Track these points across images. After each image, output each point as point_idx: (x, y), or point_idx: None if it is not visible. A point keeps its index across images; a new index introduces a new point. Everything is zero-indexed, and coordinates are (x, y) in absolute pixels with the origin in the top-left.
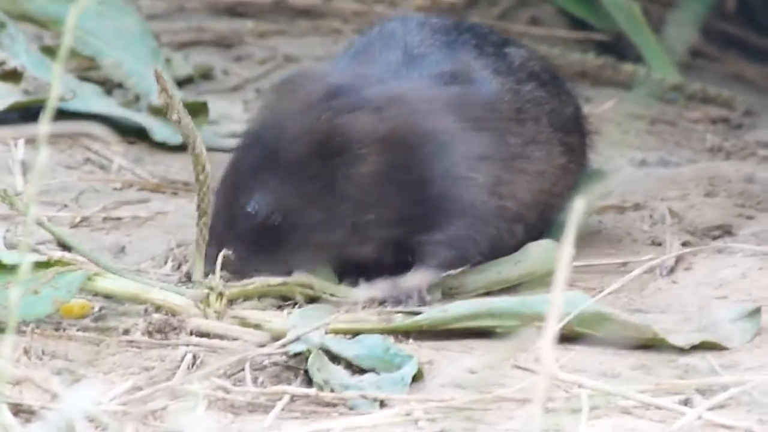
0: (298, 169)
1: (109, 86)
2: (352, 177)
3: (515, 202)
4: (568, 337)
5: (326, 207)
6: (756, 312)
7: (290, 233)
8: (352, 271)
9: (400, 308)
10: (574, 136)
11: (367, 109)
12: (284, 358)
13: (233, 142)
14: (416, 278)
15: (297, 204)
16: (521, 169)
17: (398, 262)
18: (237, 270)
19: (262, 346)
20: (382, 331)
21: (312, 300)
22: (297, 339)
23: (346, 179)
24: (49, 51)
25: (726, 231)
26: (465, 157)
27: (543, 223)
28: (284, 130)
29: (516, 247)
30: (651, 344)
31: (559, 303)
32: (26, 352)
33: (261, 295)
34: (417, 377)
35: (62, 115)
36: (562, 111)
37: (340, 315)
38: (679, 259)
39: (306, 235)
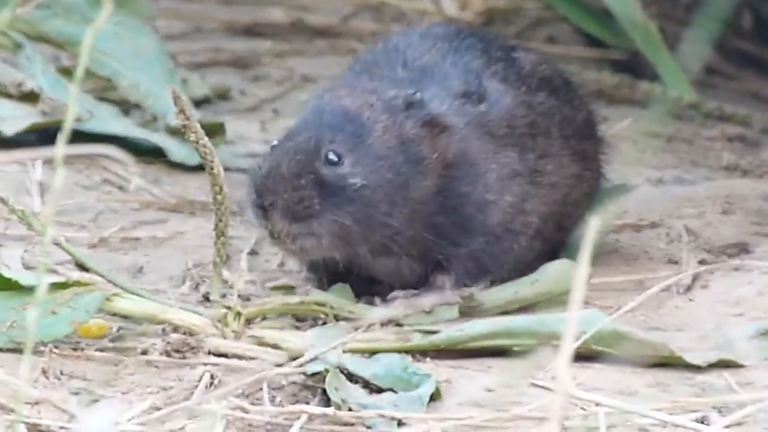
0: (373, 147)
1: (126, 107)
2: (418, 187)
3: (535, 216)
4: (584, 356)
5: (389, 191)
6: None
7: (363, 199)
8: (368, 290)
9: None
10: (587, 142)
11: (441, 128)
12: (302, 377)
13: (250, 162)
14: (432, 297)
15: (373, 174)
16: (538, 182)
17: (416, 280)
18: (300, 216)
19: (280, 365)
20: (400, 350)
21: (331, 318)
22: (315, 358)
23: (412, 181)
24: (66, 72)
25: (742, 249)
26: (494, 178)
27: (560, 234)
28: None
29: (534, 261)
30: (667, 362)
31: (576, 321)
32: (44, 372)
33: (279, 314)
34: (435, 396)
35: (79, 136)
36: (574, 118)
37: (357, 334)
38: (695, 277)
39: (373, 205)
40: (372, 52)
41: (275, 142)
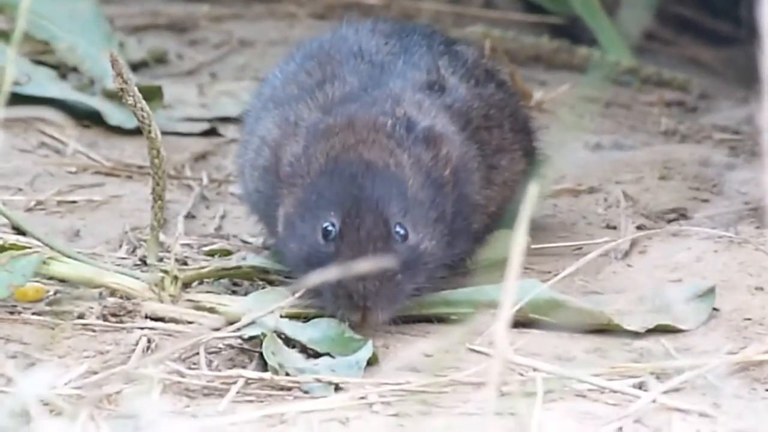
0: (416, 198)
1: (63, 70)
2: (449, 208)
3: (485, 218)
4: (522, 323)
5: (441, 230)
6: (710, 291)
7: (430, 256)
8: None
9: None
10: (531, 138)
11: (442, 141)
12: (239, 342)
13: (188, 126)
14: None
15: (428, 227)
16: (492, 180)
17: None
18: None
19: (217, 330)
20: None
21: (267, 284)
22: (251, 323)
23: (446, 206)
24: (3, 35)
25: (681, 214)
26: (479, 177)
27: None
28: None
29: None
30: (606, 328)
31: (514, 289)
32: None
33: (216, 278)
34: (372, 361)
35: (17, 99)
36: (519, 111)
37: (294, 299)
38: (633, 243)
39: (438, 256)
40: (317, 44)
41: (331, 227)
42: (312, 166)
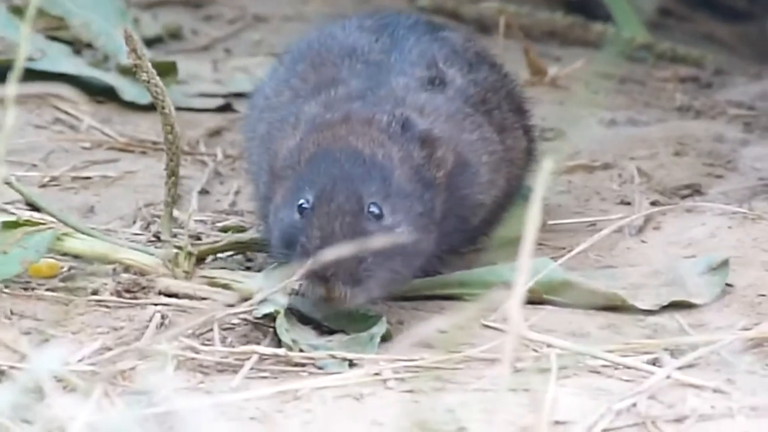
0: (400, 188)
1: (77, 46)
2: (438, 206)
3: (499, 194)
4: (536, 302)
5: (426, 224)
6: (723, 264)
7: (407, 244)
8: None
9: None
10: (528, 117)
11: (438, 144)
12: (253, 318)
13: (202, 102)
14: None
15: (408, 216)
16: (505, 158)
17: None
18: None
19: (231, 306)
20: None
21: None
22: (265, 299)
23: (434, 206)
24: (18, 11)
25: (695, 190)
26: (485, 171)
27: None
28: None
29: None
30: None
31: (527, 265)
32: None
33: (230, 253)
34: (386, 337)
35: (31, 75)
36: (514, 90)
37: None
38: (647, 219)
39: (417, 247)
40: (305, 47)
41: (306, 203)
42: (302, 156)
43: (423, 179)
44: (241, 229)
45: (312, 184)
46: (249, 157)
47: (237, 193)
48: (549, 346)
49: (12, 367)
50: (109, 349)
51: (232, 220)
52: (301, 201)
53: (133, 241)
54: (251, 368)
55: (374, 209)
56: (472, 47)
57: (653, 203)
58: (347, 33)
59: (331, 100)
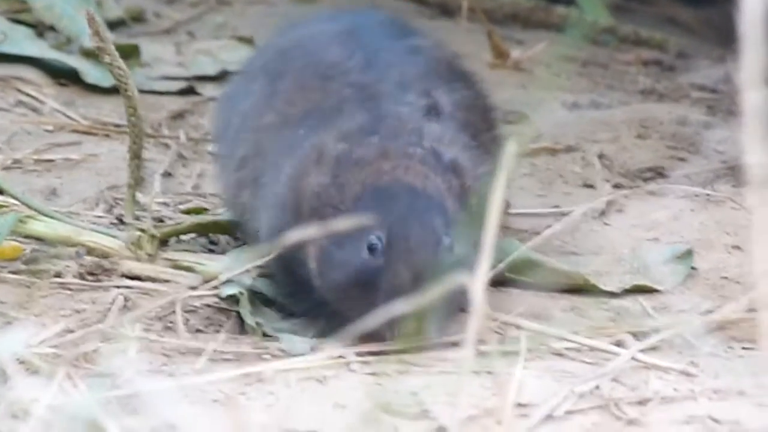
0: (454, 219)
1: (40, 29)
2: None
3: None
4: (500, 282)
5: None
6: (687, 253)
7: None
8: None
9: None
10: (497, 130)
11: (467, 173)
12: (216, 300)
13: (165, 85)
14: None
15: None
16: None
17: None
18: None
19: (194, 288)
20: None
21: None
22: (229, 281)
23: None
24: None
25: (658, 173)
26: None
27: None
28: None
29: None
30: (583, 288)
31: (491, 248)
32: None
33: (193, 234)
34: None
35: None
36: (485, 104)
37: (271, 256)
38: (610, 202)
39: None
40: (278, 57)
41: (377, 242)
42: (347, 194)
43: (464, 207)
44: (204, 211)
45: (378, 223)
46: (222, 173)
47: (200, 175)
48: (518, 328)
49: None
50: (72, 331)
51: (195, 203)
52: (372, 239)
53: (96, 224)
54: (214, 351)
55: (446, 240)
56: (445, 58)
57: (616, 186)
58: (317, 43)
59: (344, 134)
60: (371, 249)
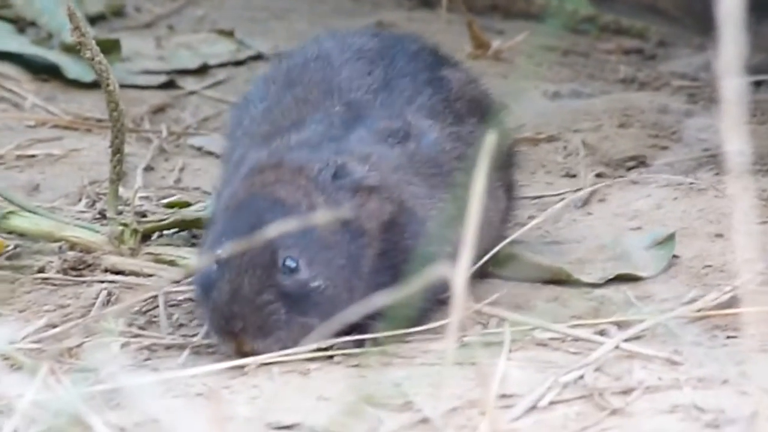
0: (323, 240)
1: (21, 24)
2: (367, 259)
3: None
4: (482, 274)
5: (348, 277)
6: (669, 238)
7: (325, 297)
8: None
9: None
10: (512, 171)
11: (374, 194)
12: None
13: (146, 79)
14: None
15: (328, 268)
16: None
17: None
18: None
19: (177, 282)
20: None
21: None
22: None
23: (361, 257)
24: None
25: (640, 162)
26: (434, 231)
27: None
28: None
29: None
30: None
31: (473, 240)
32: None
33: (176, 230)
34: None
35: None
36: (503, 144)
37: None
38: (593, 191)
39: (335, 300)
40: (299, 62)
41: (222, 252)
42: (231, 203)
43: (352, 232)
44: (186, 205)
45: (230, 234)
46: (221, 169)
47: (182, 169)
48: (502, 319)
49: None
50: (56, 326)
51: (178, 197)
52: (219, 251)
53: (78, 219)
54: (198, 345)
55: (290, 263)
56: (469, 92)
57: (598, 175)
58: (340, 59)
59: (281, 145)
60: (217, 260)
